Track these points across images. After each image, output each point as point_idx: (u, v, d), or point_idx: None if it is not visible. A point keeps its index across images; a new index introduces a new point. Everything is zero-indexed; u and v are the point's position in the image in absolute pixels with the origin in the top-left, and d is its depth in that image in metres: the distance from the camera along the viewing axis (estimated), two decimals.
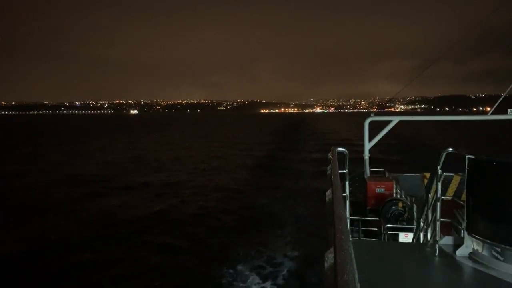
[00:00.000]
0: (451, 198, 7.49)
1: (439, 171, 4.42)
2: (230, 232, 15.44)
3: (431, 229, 4.94)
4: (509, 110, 9.29)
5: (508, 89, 9.33)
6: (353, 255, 1.46)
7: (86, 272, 11.76)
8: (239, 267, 11.80)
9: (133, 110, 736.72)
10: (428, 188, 6.09)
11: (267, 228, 15.64)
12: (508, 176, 3.33)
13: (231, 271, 11.59)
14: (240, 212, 18.36)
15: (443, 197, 4.47)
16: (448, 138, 51.28)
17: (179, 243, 14.21)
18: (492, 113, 9.52)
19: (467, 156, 3.63)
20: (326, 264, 1.54)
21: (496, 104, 9.43)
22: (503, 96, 9.44)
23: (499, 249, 3.31)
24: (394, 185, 8.63)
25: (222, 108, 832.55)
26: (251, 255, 12.79)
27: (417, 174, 10.80)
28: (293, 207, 18.70)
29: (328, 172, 3.64)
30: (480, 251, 3.52)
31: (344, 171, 5.16)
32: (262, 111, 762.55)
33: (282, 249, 13.21)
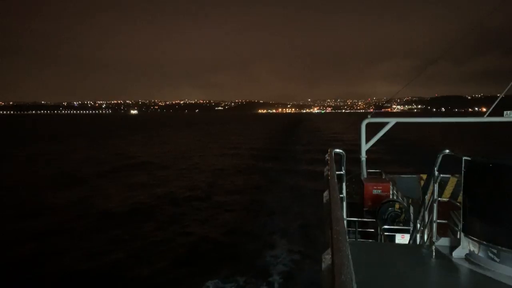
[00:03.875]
0: (447, 199, 7.51)
1: (436, 173, 4.44)
2: (225, 232, 15.44)
3: (428, 231, 4.95)
4: (505, 112, 9.29)
5: (505, 91, 9.35)
6: (350, 256, 1.46)
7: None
8: (236, 268, 11.78)
9: (133, 110, 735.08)
10: (424, 189, 6.10)
11: (263, 229, 15.63)
12: (504, 177, 3.35)
13: (227, 271, 11.57)
14: (235, 214, 18.36)
15: (439, 199, 4.49)
16: (445, 139, 51.39)
17: (175, 241, 14.22)
18: (489, 115, 9.53)
19: (463, 158, 3.64)
20: (323, 265, 1.54)
21: (493, 106, 9.44)
22: (499, 99, 9.46)
23: (495, 251, 3.33)
24: (391, 187, 8.63)
25: (220, 108, 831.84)
26: (248, 255, 12.78)
27: (413, 176, 10.79)
28: (291, 207, 18.69)
29: (325, 173, 3.63)
30: (476, 252, 3.53)
31: (341, 172, 5.17)
32: (259, 111, 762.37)
33: (278, 250, 13.19)
